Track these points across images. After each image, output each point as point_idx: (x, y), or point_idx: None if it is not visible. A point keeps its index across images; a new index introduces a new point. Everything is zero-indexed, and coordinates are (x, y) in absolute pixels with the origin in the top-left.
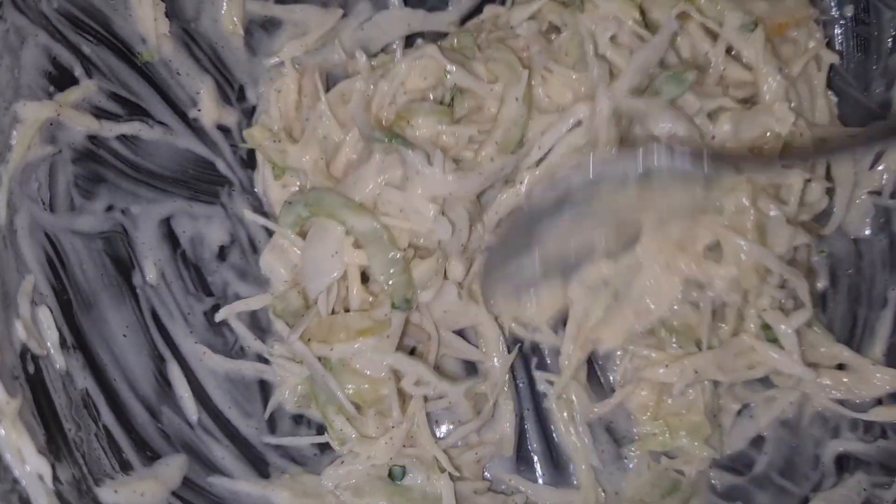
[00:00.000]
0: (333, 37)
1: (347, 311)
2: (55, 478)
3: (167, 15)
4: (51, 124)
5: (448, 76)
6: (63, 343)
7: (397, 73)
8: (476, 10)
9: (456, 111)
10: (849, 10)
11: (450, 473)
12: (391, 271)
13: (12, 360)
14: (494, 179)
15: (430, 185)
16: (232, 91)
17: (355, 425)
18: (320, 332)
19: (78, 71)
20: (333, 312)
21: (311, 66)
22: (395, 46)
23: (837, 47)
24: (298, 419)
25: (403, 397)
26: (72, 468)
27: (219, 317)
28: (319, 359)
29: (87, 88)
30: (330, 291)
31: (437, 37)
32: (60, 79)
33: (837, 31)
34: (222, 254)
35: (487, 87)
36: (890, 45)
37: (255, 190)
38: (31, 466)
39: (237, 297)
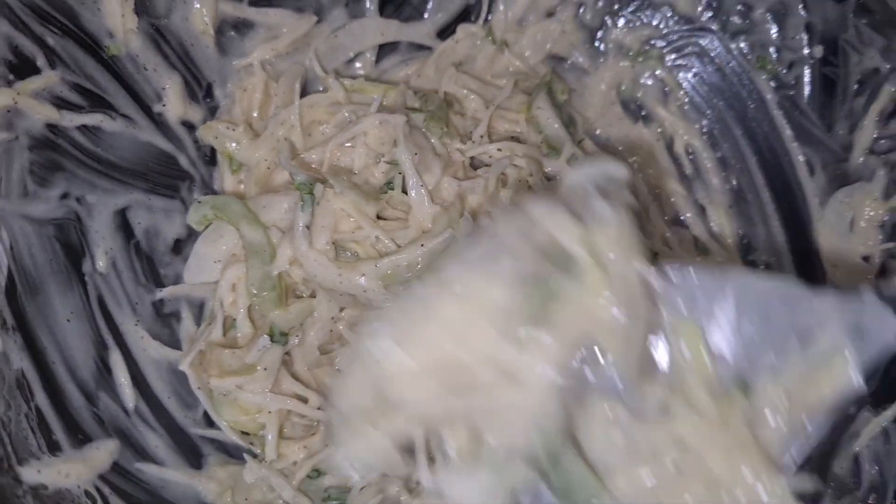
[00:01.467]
0: (307, 42)
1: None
2: None
3: (136, 11)
4: (8, 111)
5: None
6: (2, 324)
7: (355, 130)
8: (452, 23)
9: (386, 201)
10: (818, 51)
11: None
12: (263, 285)
13: None
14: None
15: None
16: (199, 88)
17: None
18: (202, 361)
19: (40, 61)
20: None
21: (294, 70)
22: (368, 55)
23: (805, 87)
24: None
25: None
26: None
27: (159, 294)
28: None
29: (49, 79)
30: (214, 320)
31: (414, 49)
32: (21, 67)
33: (806, 70)
34: (177, 247)
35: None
36: (855, 88)
37: (215, 187)
38: None
39: None
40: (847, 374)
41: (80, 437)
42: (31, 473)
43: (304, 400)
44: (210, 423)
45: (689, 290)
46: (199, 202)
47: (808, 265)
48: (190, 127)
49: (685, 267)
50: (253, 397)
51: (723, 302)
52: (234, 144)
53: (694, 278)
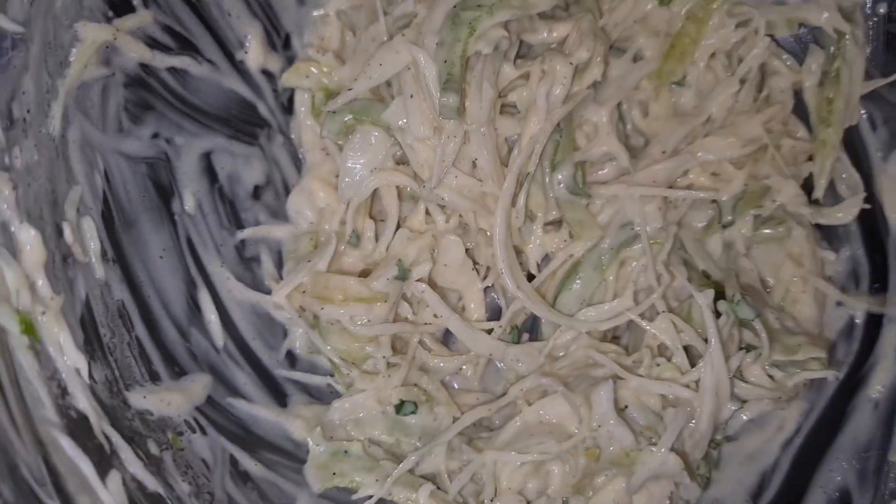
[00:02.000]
0: None
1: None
2: (90, 374)
3: None
4: (107, 48)
5: None
6: (104, 255)
7: None
8: None
9: None
10: (882, 8)
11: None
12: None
13: (58, 260)
14: None
15: None
16: (278, 38)
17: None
18: (317, 287)
19: (136, 0)
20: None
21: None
22: None
23: (869, 44)
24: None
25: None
26: (105, 370)
27: (240, 235)
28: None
29: (143, 17)
30: (328, 243)
31: None
32: (119, 5)
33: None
34: (257, 193)
35: None
36: None
37: (292, 136)
38: (70, 360)
39: None
40: None
41: (177, 370)
42: (137, 399)
43: None
44: (293, 363)
45: None
46: (333, 112)
47: (870, 216)
48: (269, 76)
49: None
50: (368, 329)
51: None
52: (325, 72)
53: None
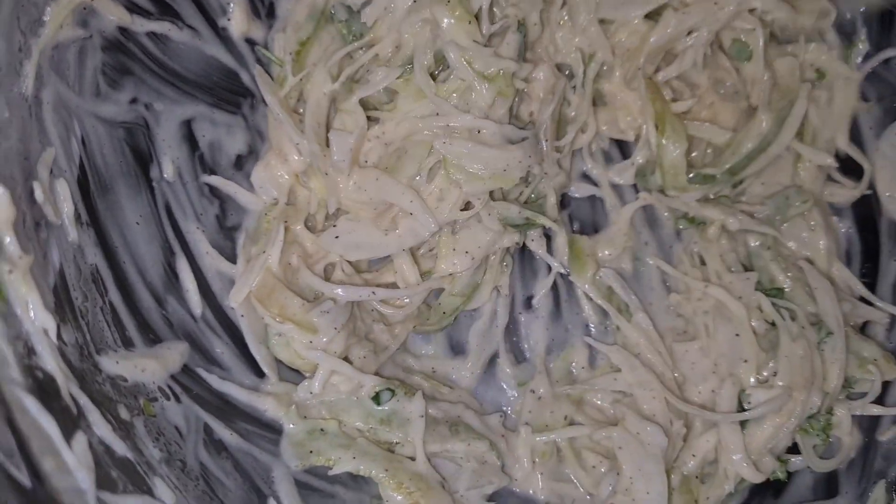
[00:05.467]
0: None
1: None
2: (59, 336)
3: None
4: (84, 9)
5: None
6: (78, 218)
7: None
8: None
9: None
10: None
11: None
12: None
13: (28, 220)
14: None
15: None
16: (262, 6)
17: None
18: (261, 292)
19: None
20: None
21: None
22: None
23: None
24: None
25: None
26: (75, 332)
27: (205, 178)
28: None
29: None
30: (275, 231)
31: None
32: None
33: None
34: (239, 162)
35: None
36: None
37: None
38: (38, 320)
39: None
40: None
41: (152, 337)
42: (110, 363)
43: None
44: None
45: None
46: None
47: (863, 196)
48: (252, 44)
49: None
50: (308, 353)
51: None
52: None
53: None
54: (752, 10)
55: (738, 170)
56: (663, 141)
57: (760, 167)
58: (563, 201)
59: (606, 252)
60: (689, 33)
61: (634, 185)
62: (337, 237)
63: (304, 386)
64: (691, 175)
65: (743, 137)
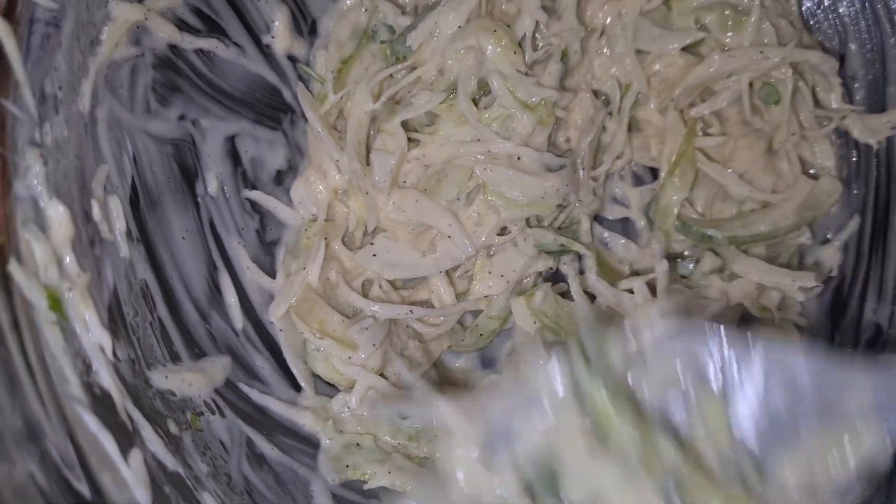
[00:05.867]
0: None
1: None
2: (114, 352)
3: None
4: (137, 27)
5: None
6: (129, 234)
7: None
8: None
9: None
10: None
11: None
12: None
13: (84, 238)
14: None
15: None
16: (305, 23)
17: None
18: (301, 307)
19: None
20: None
21: None
22: None
23: None
24: None
25: None
26: (128, 349)
27: (246, 193)
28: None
29: None
30: (316, 247)
31: None
32: None
33: None
34: (279, 178)
35: None
36: None
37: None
38: (95, 337)
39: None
40: (873, 440)
41: (197, 351)
42: (159, 378)
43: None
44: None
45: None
46: None
47: None
48: (294, 61)
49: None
50: (346, 369)
51: (751, 369)
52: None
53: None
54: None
55: (741, 243)
56: (673, 179)
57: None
58: (597, 220)
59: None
60: (730, 76)
61: None
62: (375, 255)
63: (340, 399)
64: (677, 223)
65: (758, 219)
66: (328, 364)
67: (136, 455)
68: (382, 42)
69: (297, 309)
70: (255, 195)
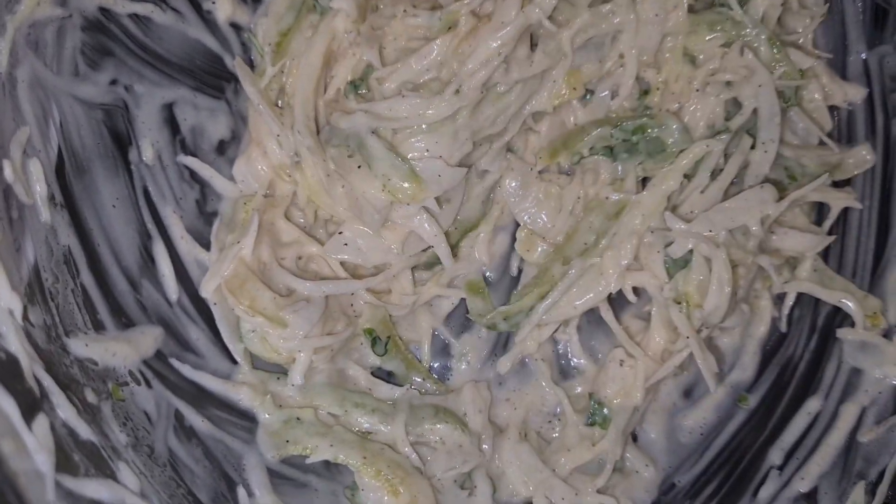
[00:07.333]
0: None
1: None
2: (25, 317)
3: None
4: None
5: None
6: (52, 199)
7: None
8: None
9: None
10: None
11: None
12: None
13: None
14: None
15: None
16: None
17: None
18: (233, 282)
19: None
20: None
21: None
22: None
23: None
24: None
25: None
26: (44, 314)
27: (180, 159)
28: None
29: None
30: (250, 222)
31: None
32: None
33: None
34: (221, 147)
35: None
36: None
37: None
38: (3, 300)
39: None
40: None
41: (124, 321)
42: (79, 346)
43: None
44: None
45: None
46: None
47: None
48: (237, 28)
49: None
50: (285, 344)
51: None
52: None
53: None
54: None
55: None
56: None
57: None
58: None
59: None
60: None
61: None
62: (346, 244)
63: (282, 381)
64: None
65: None
66: (265, 344)
67: (41, 421)
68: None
69: (228, 284)
70: (189, 161)
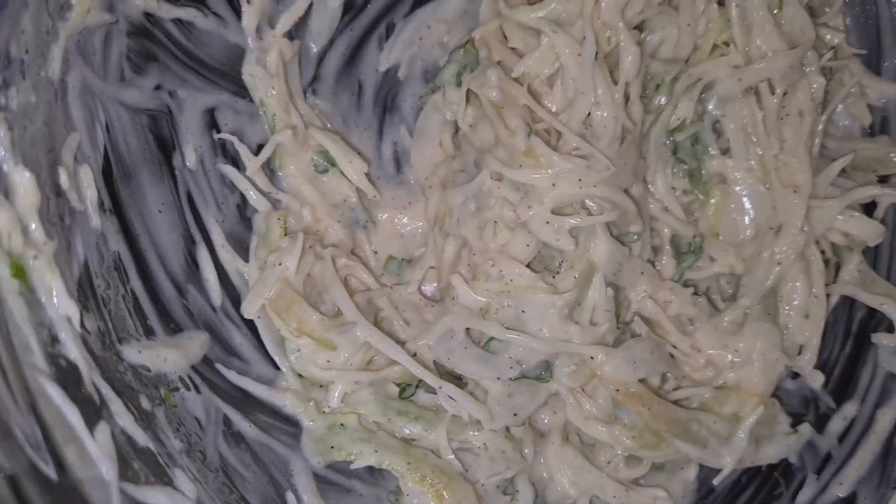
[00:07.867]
0: None
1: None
2: (82, 324)
3: None
4: None
5: None
6: (101, 205)
7: None
8: None
9: None
10: None
11: None
12: None
13: (52, 206)
14: None
15: None
16: None
17: None
18: (278, 303)
19: None
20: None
21: None
22: None
23: None
24: None
25: None
26: (98, 321)
27: (221, 168)
28: None
29: None
30: (295, 241)
31: None
32: None
33: None
34: (260, 151)
35: None
36: None
37: None
38: (61, 307)
39: None
40: None
41: (172, 326)
42: (132, 353)
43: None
44: None
45: None
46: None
47: None
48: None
49: None
50: (323, 374)
51: None
52: None
53: None
54: None
55: None
56: None
57: None
58: None
59: None
60: None
61: None
62: None
63: (325, 389)
64: None
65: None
66: (307, 363)
67: (102, 428)
68: None
69: (273, 305)
70: (227, 171)
